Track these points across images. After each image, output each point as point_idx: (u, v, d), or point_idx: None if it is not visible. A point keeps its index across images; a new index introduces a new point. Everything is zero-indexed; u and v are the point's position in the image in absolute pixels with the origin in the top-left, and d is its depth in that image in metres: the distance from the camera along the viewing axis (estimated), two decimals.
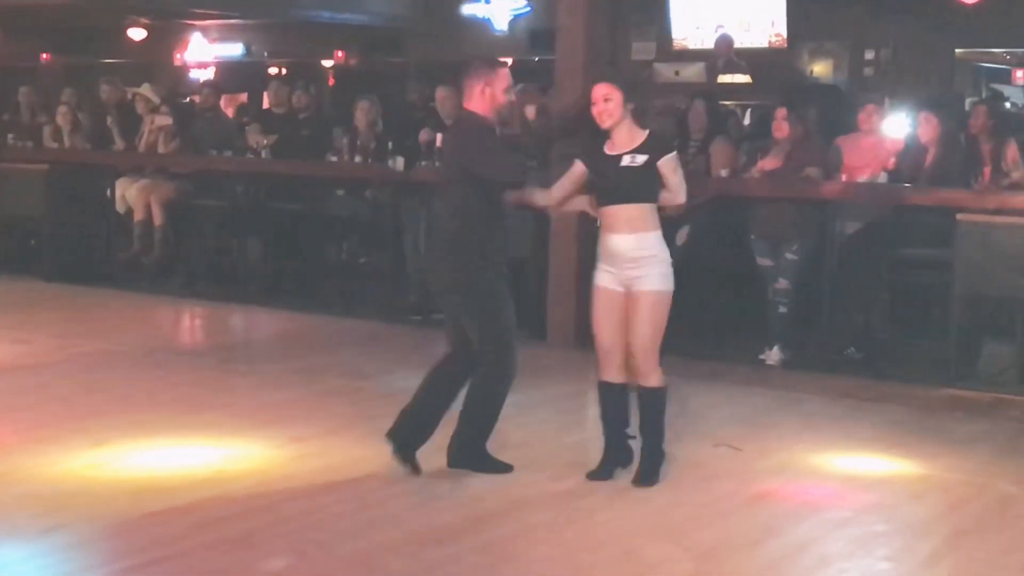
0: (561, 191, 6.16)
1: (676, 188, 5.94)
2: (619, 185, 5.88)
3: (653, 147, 5.90)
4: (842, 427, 7.17)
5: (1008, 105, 14.62)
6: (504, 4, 17.56)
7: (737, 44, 14.13)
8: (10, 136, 12.88)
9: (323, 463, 6.15)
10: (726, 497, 5.81)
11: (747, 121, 12.15)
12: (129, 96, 12.71)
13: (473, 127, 6.02)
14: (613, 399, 6.06)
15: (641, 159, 5.86)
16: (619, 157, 5.89)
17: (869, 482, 6.14)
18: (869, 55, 14.99)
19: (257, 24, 20.17)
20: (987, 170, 8.64)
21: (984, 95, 15.38)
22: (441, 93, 10.41)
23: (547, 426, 6.71)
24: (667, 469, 6.05)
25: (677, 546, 5.13)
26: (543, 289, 9.17)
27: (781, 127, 8.62)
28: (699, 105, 10.04)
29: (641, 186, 5.88)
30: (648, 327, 5.86)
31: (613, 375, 6.01)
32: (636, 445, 6.05)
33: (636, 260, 5.82)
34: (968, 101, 13.12)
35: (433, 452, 6.37)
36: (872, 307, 8.79)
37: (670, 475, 6.05)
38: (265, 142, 11.16)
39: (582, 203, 6.13)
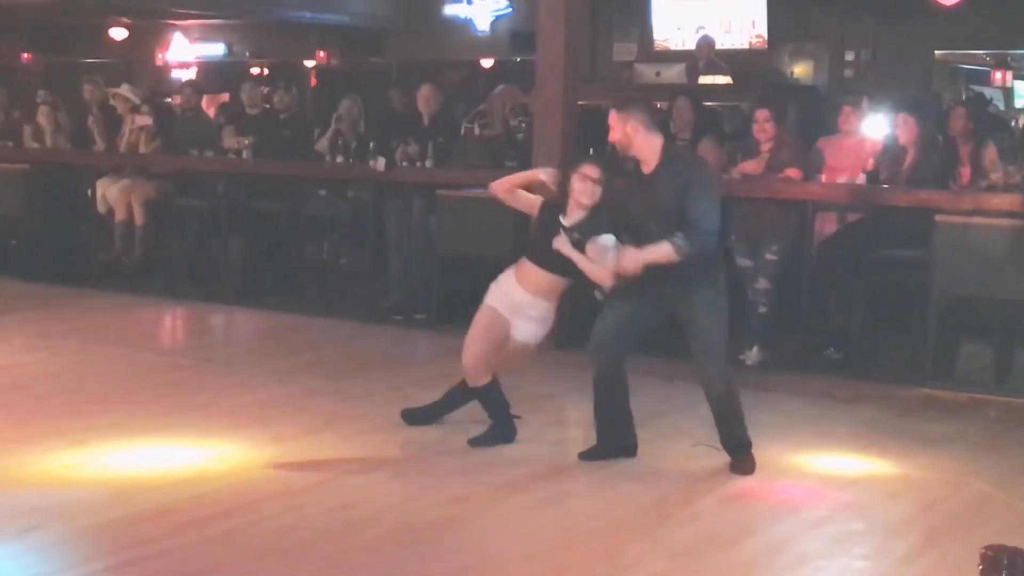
0: None
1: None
2: None
3: None
4: (820, 427, 7.21)
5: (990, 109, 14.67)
6: (486, 5, 17.62)
7: (718, 45, 14.17)
8: None
9: (304, 463, 6.16)
10: (704, 496, 5.83)
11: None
12: (110, 98, 12.69)
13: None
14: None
15: None
16: None
17: (846, 481, 6.18)
18: (849, 56, 15.08)
19: (238, 24, 20.18)
20: (965, 171, 8.68)
21: (964, 96, 15.44)
22: (425, 91, 10.39)
23: (525, 426, 6.72)
24: (644, 469, 6.09)
25: (654, 544, 5.15)
26: None
27: (764, 129, 8.62)
28: (682, 102, 9.86)
29: None
30: None
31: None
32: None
33: None
34: (948, 101, 13.18)
35: (414, 450, 6.40)
36: (851, 308, 8.81)
37: (648, 474, 6.08)
38: (247, 143, 11.13)
39: None
